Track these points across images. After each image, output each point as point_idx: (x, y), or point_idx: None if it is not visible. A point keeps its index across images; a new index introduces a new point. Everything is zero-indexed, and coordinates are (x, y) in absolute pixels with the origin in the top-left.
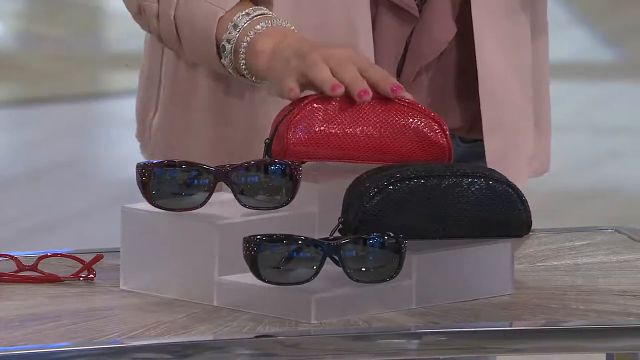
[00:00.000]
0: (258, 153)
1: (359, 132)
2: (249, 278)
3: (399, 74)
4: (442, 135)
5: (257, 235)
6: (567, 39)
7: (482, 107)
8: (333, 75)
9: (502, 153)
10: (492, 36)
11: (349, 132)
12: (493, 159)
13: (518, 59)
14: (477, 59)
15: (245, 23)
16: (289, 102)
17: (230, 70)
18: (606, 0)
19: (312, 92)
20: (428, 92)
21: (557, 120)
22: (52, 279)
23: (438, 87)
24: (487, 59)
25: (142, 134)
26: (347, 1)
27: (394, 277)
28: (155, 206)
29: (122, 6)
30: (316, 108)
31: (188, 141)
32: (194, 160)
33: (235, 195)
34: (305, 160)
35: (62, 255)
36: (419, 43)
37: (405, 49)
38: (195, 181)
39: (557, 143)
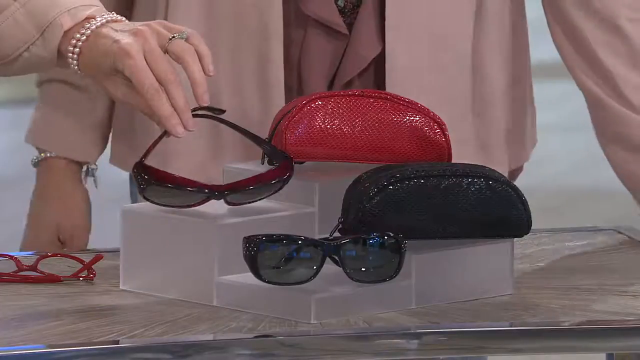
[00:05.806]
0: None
1: (357, 132)
2: (249, 278)
3: (330, 88)
4: (442, 134)
5: (257, 235)
6: None
7: None
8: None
9: None
10: (406, 63)
11: (347, 131)
12: None
13: (440, 88)
14: (386, 79)
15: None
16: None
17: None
18: None
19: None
20: None
21: (558, 121)
22: (52, 279)
23: None
24: (398, 80)
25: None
26: (260, 2)
27: (394, 277)
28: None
29: None
30: (315, 108)
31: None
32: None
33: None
34: (304, 160)
35: (62, 255)
36: (346, 59)
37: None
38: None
39: (557, 143)
